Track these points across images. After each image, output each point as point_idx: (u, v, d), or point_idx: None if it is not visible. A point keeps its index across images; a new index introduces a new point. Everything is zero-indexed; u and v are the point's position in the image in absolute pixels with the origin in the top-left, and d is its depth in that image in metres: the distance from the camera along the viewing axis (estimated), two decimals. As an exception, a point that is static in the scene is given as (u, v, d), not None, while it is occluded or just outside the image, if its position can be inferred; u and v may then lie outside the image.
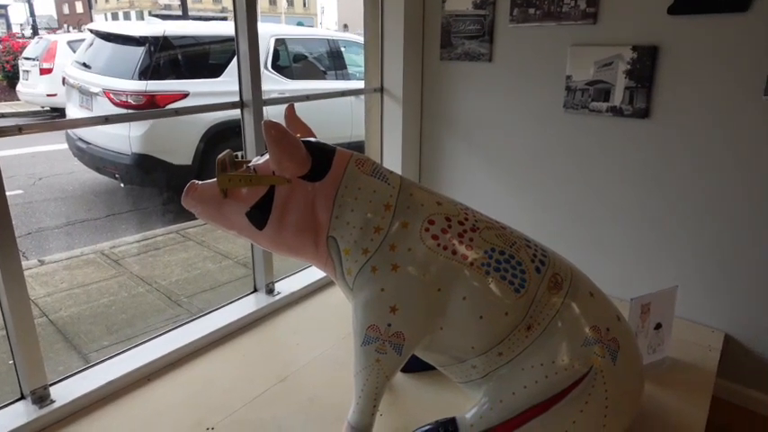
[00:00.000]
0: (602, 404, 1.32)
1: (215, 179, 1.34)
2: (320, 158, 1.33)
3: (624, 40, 2.05)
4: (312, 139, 1.40)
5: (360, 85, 2.85)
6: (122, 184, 4.89)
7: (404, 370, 1.77)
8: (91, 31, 4.91)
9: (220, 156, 1.34)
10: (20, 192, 5.23)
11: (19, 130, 1.46)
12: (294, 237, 1.33)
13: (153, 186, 4.83)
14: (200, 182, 1.37)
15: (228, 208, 1.34)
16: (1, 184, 1.42)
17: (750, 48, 1.81)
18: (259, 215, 1.32)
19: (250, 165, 1.37)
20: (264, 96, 2.07)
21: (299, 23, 33.61)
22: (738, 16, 1.81)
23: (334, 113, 5.08)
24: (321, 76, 5.50)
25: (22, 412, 1.55)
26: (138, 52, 4.24)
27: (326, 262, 1.39)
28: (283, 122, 1.44)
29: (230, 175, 1.32)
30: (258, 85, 2.01)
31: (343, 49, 5.63)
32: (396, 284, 1.31)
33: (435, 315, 1.32)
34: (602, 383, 1.31)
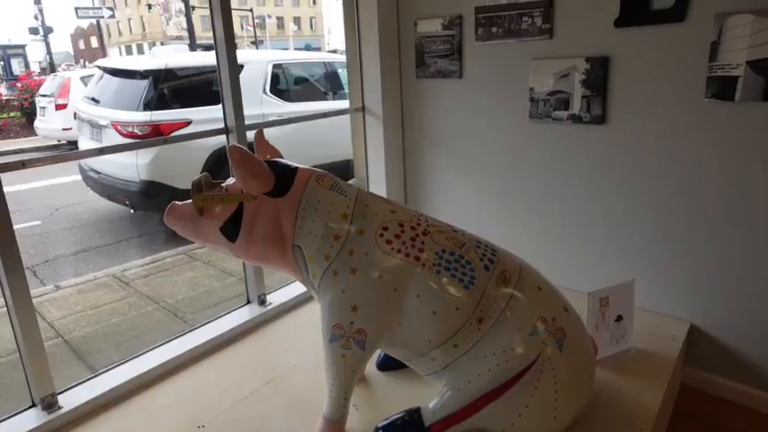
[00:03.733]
0: (551, 389, 1.44)
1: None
2: (283, 176, 1.49)
3: (578, 53, 2.19)
4: (278, 160, 1.56)
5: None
6: (132, 211, 5.10)
7: (379, 368, 1.91)
8: (98, 67, 5.19)
9: (195, 178, 1.51)
10: (38, 222, 5.48)
11: (22, 164, 1.64)
12: (263, 247, 1.48)
13: (161, 212, 5.03)
14: (179, 202, 1.54)
15: (204, 224, 1.51)
16: (7, 215, 1.60)
17: (688, 55, 1.94)
18: (231, 229, 1.48)
19: (223, 185, 1.54)
20: (264, 119, 2.23)
21: (307, 45, 34.23)
22: (676, 27, 1.94)
23: (343, 131, 5.22)
24: (319, 97, 5.68)
25: (33, 418, 1.72)
26: (142, 85, 4.48)
27: (294, 268, 1.54)
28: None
29: (204, 195, 1.49)
30: (240, 112, 2.18)
31: (339, 70, 5.83)
32: (355, 286, 1.45)
33: (393, 312, 1.46)
34: (550, 370, 1.43)
